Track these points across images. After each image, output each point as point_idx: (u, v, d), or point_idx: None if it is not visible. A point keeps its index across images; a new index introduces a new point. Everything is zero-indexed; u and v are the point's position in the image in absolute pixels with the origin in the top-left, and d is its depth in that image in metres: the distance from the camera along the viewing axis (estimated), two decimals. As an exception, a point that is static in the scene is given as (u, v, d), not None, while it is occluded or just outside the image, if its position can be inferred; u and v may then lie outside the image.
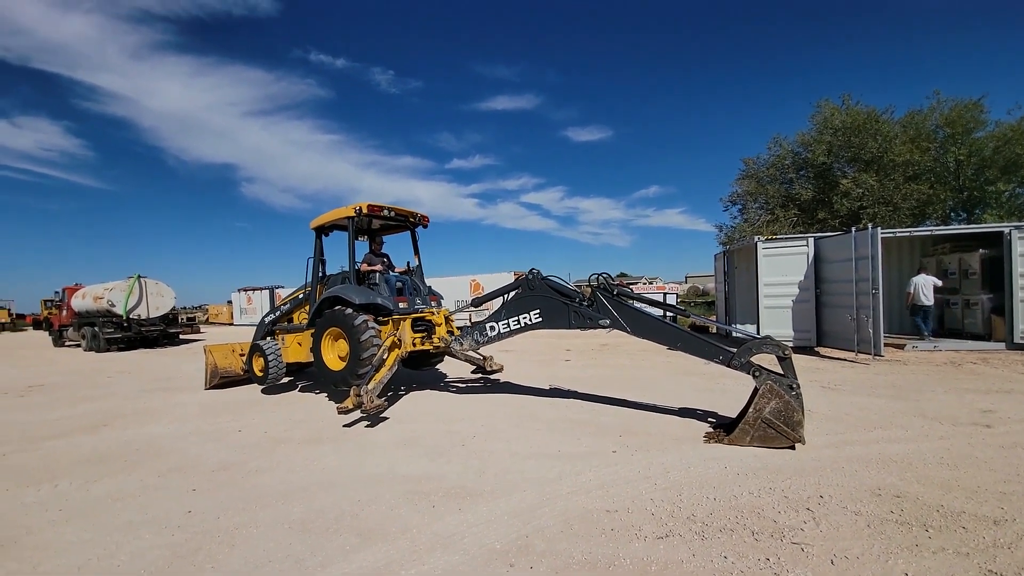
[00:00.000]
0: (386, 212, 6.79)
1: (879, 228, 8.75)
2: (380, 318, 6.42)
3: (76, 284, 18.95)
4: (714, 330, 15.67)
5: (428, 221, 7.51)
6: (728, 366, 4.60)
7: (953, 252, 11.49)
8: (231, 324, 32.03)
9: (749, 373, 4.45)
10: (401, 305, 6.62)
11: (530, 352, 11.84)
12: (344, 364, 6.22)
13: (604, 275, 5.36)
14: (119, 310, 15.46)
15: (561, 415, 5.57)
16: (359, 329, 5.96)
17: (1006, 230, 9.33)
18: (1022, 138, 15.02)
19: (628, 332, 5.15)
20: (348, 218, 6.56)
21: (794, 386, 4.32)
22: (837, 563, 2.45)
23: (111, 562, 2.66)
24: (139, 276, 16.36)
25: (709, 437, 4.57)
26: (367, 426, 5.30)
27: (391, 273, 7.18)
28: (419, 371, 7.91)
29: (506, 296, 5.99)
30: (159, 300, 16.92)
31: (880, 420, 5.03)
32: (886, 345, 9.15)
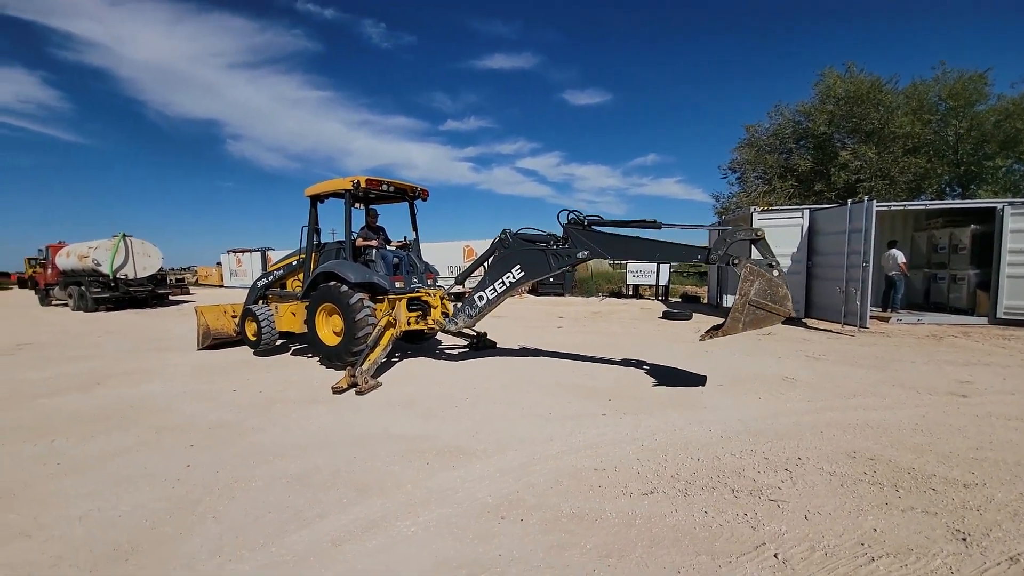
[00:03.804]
0: (385, 187, 6.61)
1: (874, 201, 8.76)
2: (376, 296, 6.39)
3: (60, 242, 18.55)
4: (705, 300, 15.88)
5: (428, 195, 7.36)
6: (707, 262, 4.82)
7: (945, 227, 11.58)
8: (221, 286, 31.77)
9: (728, 264, 4.62)
10: (397, 284, 6.55)
11: (523, 319, 11.94)
12: (339, 340, 6.20)
13: (574, 211, 5.43)
14: (105, 269, 15.21)
15: (553, 380, 5.68)
16: (354, 308, 5.93)
17: (999, 206, 9.38)
18: (1023, 113, 14.87)
19: (608, 258, 5.35)
20: (345, 190, 6.40)
21: (773, 264, 4.48)
22: (811, 518, 2.58)
23: (112, 513, 2.73)
24: (124, 235, 16.01)
25: (704, 336, 4.72)
26: (359, 388, 5.37)
27: (387, 249, 7.07)
28: (413, 345, 7.95)
29: (486, 263, 5.99)
30: (146, 260, 16.65)
31: (859, 388, 5.19)
32: (872, 318, 9.35)
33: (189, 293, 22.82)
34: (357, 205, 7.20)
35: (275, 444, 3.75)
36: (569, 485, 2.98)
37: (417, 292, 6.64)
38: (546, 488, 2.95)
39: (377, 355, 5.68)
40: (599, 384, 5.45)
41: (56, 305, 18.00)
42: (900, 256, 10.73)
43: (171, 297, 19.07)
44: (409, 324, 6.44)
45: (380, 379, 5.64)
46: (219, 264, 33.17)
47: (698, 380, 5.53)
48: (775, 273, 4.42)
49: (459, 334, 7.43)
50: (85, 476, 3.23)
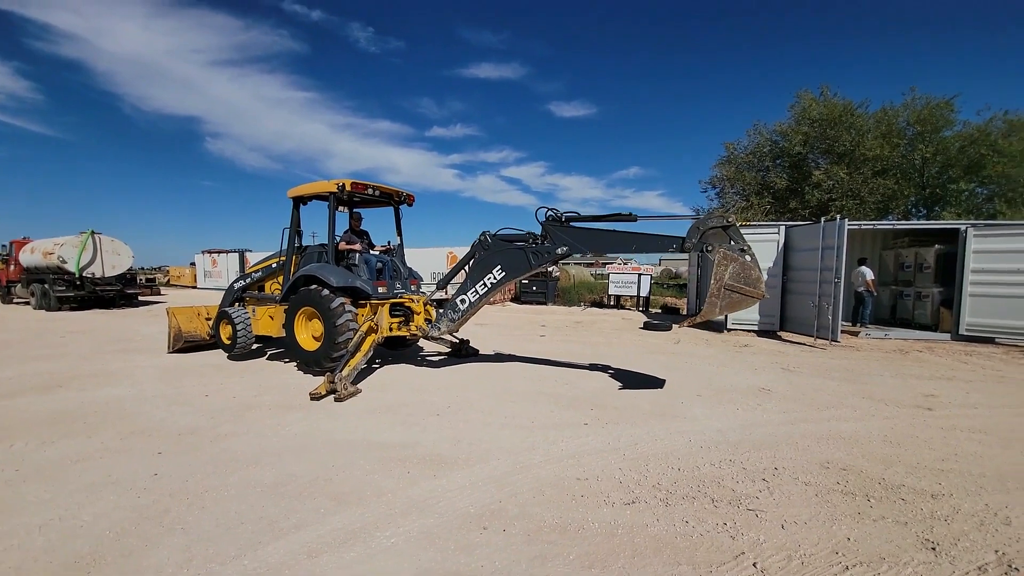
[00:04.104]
0: (370, 191, 6.55)
1: (846, 220, 9.09)
2: (358, 301, 6.29)
3: (24, 238, 17.72)
4: (684, 311, 16.14)
5: (413, 200, 7.33)
6: (682, 250, 4.93)
7: (911, 246, 12.09)
8: (194, 287, 30.80)
9: (701, 251, 4.74)
10: (380, 289, 6.48)
11: (506, 327, 11.92)
12: (318, 345, 6.08)
13: (552, 208, 5.54)
14: (71, 267, 14.60)
15: (535, 388, 5.67)
16: (335, 312, 5.83)
17: (962, 227, 9.85)
18: (986, 139, 15.73)
19: (586, 252, 5.42)
20: (329, 193, 6.31)
21: (745, 248, 4.58)
22: (787, 527, 2.63)
23: (73, 522, 2.59)
24: (93, 232, 15.41)
25: (683, 324, 5.17)
26: (339, 394, 5.26)
27: (371, 253, 6.99)
28: (394, 351, 7.84)
29: (467, 267, 6.00)
30: (115, 259, 16.04)
31: (832, 400, 5.34)
32: (842, 332, 9.66)
33: (159, 294, 22.04)
34: (341, 208, 7.11)
35: (249, 451, 3.63)
36: (551, 495, 2.97)
37: (400, 298, 6.57)
38: (528, 498, 2.93)
39: (357, 361, 5.58)
40: (581, 393, 5.47)
41: (17, 303, 17.16)
42: (869, 273, 11.15)
43: (140, 298, 18.40)
44: (391, 330, 6.35)
45: (360, 386, 5.54)
46: (192, 264, 32.19)
47: (681, 391, 5.61)
48: (747, 258, 4.54)
49: (441, 340, 7.37)
50: (46, 483, 3.07)
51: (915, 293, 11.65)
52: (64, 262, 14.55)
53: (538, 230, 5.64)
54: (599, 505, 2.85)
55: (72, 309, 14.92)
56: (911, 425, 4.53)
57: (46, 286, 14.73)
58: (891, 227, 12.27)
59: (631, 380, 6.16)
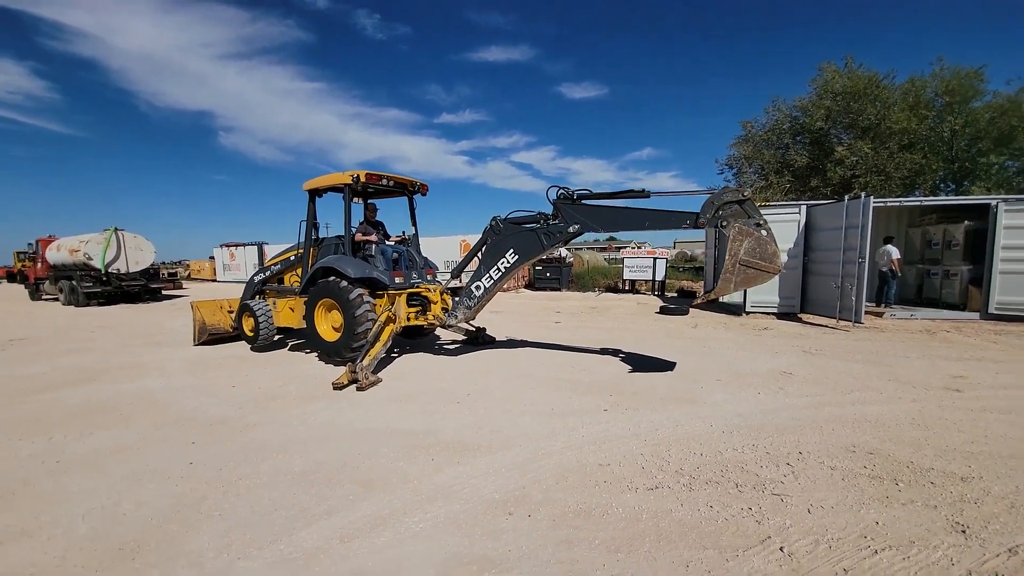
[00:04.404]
0: (384, 181, 6.57)
1: (871, 197, 8.81)
2: (375, 292, 6.35)
3: (50, 236, 18.26)
4: (701, 292, 15.93)
5: (427, 189, 7.32)
6: (696, 227, 4.84)
7: (939, 223, 11.68)
8: (214, 280, 31.49)
9: (716, 227, 4.67)
10: (397, 280, 6.53)
11: (521, 314, 11.95)
12: (338, 336, 6.18)
13: (563, 187, 5.49)
14: (97, 263, 15.02)
15: (553, 375, 5.70)
16: (354, 303, 5.90)
17: (993, 203, 9.47)
18: (1017, 110, 15.01)
19: (599, 230, 5.43)
20: (344, 185, 6.34)
21: (761, 223, 4.51)
22: (814, 512, 2.62)
23: (116, 511, 2.71)
24: (116, 229, 15.80)
25: (698, 302, 5.33)
26: (360, 384, 5.36)
27: (386, 244, 7.03)
28: (412, 340, 7.93)
29: (480, 253, 6.00)
30: (138, 254, 16.46)
31: (856, 383, 5.25)
32: (866, 313, 9.43)
33: (182, 288, 22.59)
34: (356, 200, 7.14)
35: (277, 440, 3.73)
36: (575, 480, 3.00)
37: (417, 287, 6.62)
38: (552, 483, 2.96)
39: (377, 351, 5.66)
40: (599, 379, 5.47)
41: (46, 300, 17.76)
42: (895, 252, 10.83)
43: (163, 292, 18.89)
44: (409, 320, 6.41)
45: (380, 375, 5.63)
46: (212, 258, 32.84)
47: (700, 376, 5.57)
48: (763, 232, 4.45)
49: (458, 329, 7.42)
50: (87, 472, 3.21)
51: (943, 271, 11.29)
52: (90, 259, 14.98)
53: (549, 211, 5.60)
54: (622, 490, 2.87)
55: (99, 304, 15.39)
56: (939, 407, 4.43)
57: (73, 282, 15.21)
58: (918, 204, 11.86)
59: (648, 365, 6.14)
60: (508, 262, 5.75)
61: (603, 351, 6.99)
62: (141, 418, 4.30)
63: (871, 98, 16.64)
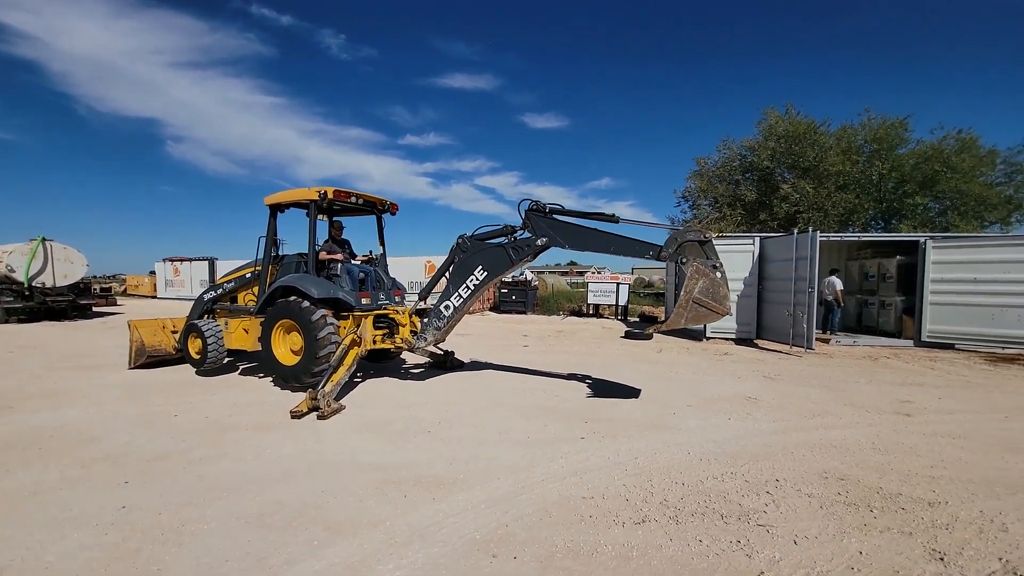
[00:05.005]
0: (353, 199, 6.34)
1: (818, 232, 9.43)
2: (340, 313, 6.04)
3: (-37, 245, 16.39)
4: (662, 319, 16.35)
5: (397, 209, 7.13)
6: (658, 259, 5.03)
7: (874, 257, 12.67)
8: (153, 297, 29.24)
9: (676, 261, 4.88)
10: (363, 300, 6.23)
11: (488, 336, 11.77)
12: (297, 359, 5.78)
13: (534, 200, 5.53)
14: (20, 276, 13.58)
15: (525, 401, 5.56)
16: (316, 325, 5.56)
17: (922, 240, 10.39)
18: (940, 156, 16.79)
19: (565, 247, 5.40)
20: (310, 201, 6.06)
21: (717, 265, 4.76)
22: (800, 543, 2.60)
23: (37, 563, 2.31)
24: (43, 239, 14.41)
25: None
26: (321, 412, 5.00)
27: (353, 263, 6.74)
28: (377, 364, 7.56)
29: (448, 273, 5.89)
30: (67, 267, 15.04)
31: (817, 408, 5.44)
32: (815, 339, 9.96)
33: (115, 304, 20.79)
34: (321, 217, 6.85)
35: (228, 477, 3.36)
36: (559, 516, 2.86)
37: (385, 309, 6.35)
38: (536, 520, 2.80)
39: (340, 376, 5.33)
40: (572, 405, 5.38)
41: (-47, 316, 15.79)
42: (838, 283, 11.60)
43: (95, 308, 17.28)
44: (375, 343, 6.12)
45: (343, 402, 5.29)
46: (152, 273, 30.59)
47: (671, 401, 5.60)
48: (718, 275, 4.72)
49: (425, 352, 7.17)
50: (1, 520, 2.73)
51: (879, 302, 12.18)
52: (12, 271, 13.53)
53: (515, 224, 5.60)
54: (609, 525, 2.75)
55: (20, 321, 13.84)
56: (895, 431, 4.65)
57: (-11, 297, 13.64)
58: (856, 239, 12.83)
59: (619, 391, 6.13)
60: (477, 279, 5.66)
61: (573, 376, 6.94)
62: (66, 454, 3.77)
63: (810, 142, 18.14)
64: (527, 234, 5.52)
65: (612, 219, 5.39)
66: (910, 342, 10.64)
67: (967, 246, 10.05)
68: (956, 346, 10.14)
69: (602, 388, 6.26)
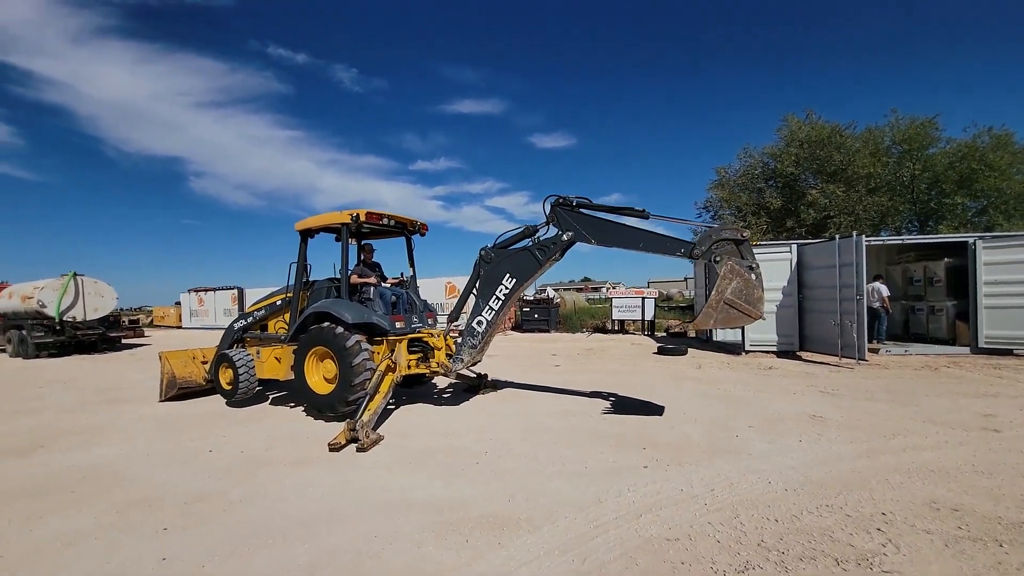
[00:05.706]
0: (385, 220, 6.20)
1: (863, 236, 9.00)
2: (374, 338, 5.85)
3: (3, 282, 16.92)
4: (693, 334, 15.86)
5: (427, 229, 6.99)
6: (691, 257, 4.72)
7: (918, 261, 12.07)
8: (179, 327, 29.73)
9: (710, 260, 4.57)
10: (398, 324, 6.03)
11: (515, 357, 11.45)
12: (332, 388, 5.56)
13: (561, 197, 5.26)
14: (51, 311, 13.83)
15: (571, 425, 5.22)
16: (351, 351, 5.35)
17: (970, 240, 9.84)
18: (975, 154, 16.17)
19: (592, 242, 5.08)
20: (341, 224, 5.94)
21: (753, 266, 4.47)
22: (937, 594, 2.22)
23: (67, 637, 2.06)
24: (75, 274, 14.72)
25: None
26: (361, 443, 4.75)
27: (384, 286, 6.57)
28: (409, 389, 7.31)
29: (475, 289, 5.68)
30: (98, 300, 15.29)
31: (894, 427, 4.98)
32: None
33: (143, 336, 21.12)
34: (351, 240, 6.73)
35: (272, 520, 3.11)
36: (646, 563, 2.51)
37: (419, 332, 6.13)
38: (620, 569, 2.46)
39: (377, 404, 5.08)
40: (624, 429, 5.03)
41: (-10, 352, 16.16)
42: (884, 290, 11.03)
43: (123, 340, 17.52)
44: (410, 368, 5.88)
45: (380, 431, 5.03)
46: (177, 304, 31.18)
47: (729, 422, 5.20)
48: (753, 276, 4.43)
49: (462, 376, 6.90)
50: (36, 573, 2.52)
51: (928, 307, 11.54)
52: (43, 306, 13.79)
53: (536, 223, 5.41)
54: (707, 574, 2.40)
55: (51, 356, 14.05)
56: (990, 450, 4.18)
57: (23, 332, 13.91)
58: (900, 242, 12.29)
59: (669, 412, 5.74)
60: (507, 288, 5.42)
61: (614, 396, 6.57)
62: (100, 497, 3.57)
63: (835, 145, 17.69)
64: (550, 232, 5.29)
65: (642, 214, 5.07)
66: (966, 349, 9.98)
67: (1020, 245, 9.46)
68: (1015, 351, 9.46)
69: (650, 409, 5.88)
